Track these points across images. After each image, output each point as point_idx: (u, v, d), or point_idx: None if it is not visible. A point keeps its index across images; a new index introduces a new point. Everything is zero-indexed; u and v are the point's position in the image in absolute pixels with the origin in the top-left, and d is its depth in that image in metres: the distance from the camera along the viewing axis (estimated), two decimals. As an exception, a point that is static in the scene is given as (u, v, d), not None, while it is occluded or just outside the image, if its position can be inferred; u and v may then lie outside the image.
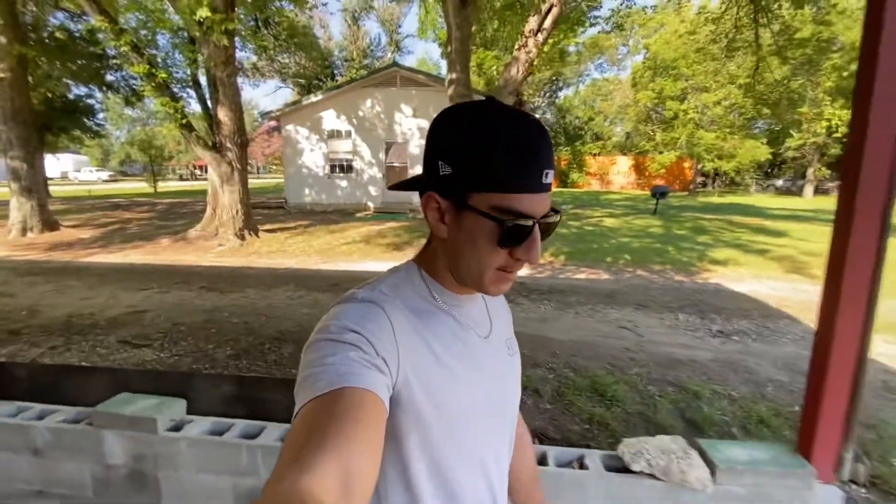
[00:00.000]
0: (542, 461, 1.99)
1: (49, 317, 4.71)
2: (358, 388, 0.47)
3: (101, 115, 21.24)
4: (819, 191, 26.05)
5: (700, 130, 24.69)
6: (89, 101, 18.08)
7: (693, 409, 2.89)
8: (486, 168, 0.53)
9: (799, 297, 5.80)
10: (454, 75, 8.20)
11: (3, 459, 2.15)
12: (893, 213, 2.06)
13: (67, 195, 21.94)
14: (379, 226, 11.47)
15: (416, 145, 15.10)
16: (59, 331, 4.27)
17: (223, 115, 9.24)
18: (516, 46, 7.98)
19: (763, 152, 24.95)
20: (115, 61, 13.11)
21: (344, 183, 15.52)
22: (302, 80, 27.54)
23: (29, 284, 6.17)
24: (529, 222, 0.55)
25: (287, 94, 36.06)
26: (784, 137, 25.60)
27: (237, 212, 9.72)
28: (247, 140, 9.99)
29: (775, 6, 10.93)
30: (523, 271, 0.59)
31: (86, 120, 18.46)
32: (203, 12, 7.28)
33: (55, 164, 37.55)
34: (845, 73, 18.10)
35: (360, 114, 15.17)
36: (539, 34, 7.52)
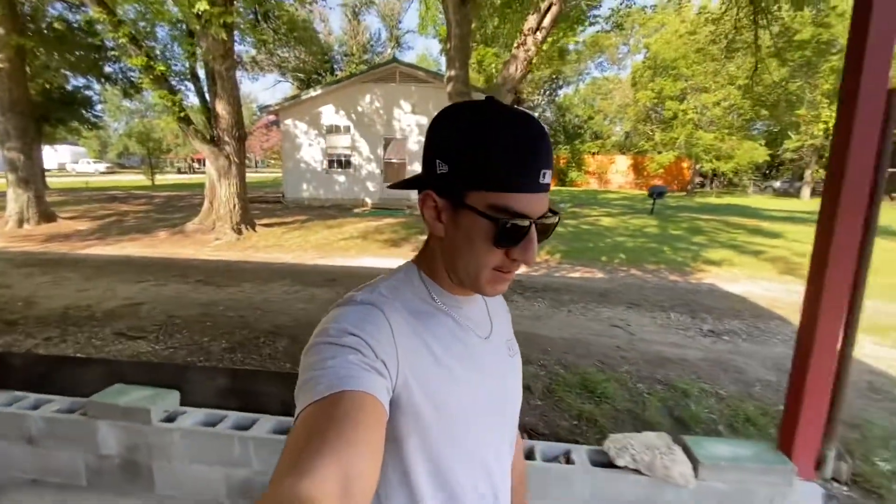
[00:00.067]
0: (529, 456, 2.03)
1: (45, 308, 4.73)
2: (357, 392, 0.47)
3: (98, 107, 21.13)
4: (816, 192, 26.09)
5: (699, 131, 24.72)
6: (87, 92, 18.00)
7: (681, 406, 2.93)
8: (482, 166, 0.53)
9: (791, 298, 5.85)
10: (453, 72, 8.19)
11: (-2, 448, 2.18)
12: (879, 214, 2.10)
13: (65, 187, 21.86)
14: (376, 222, 11.49)
15: (415, 142, 15.09)
16: (55, 322, 4.29)
17: (221, 108, 9.23)
18: (515, 45, 7.98)
19: (761, 154, 25.00)
20: (113, 53, 13.06)
21: (342, 178, 15.52)
22: (301, 75, 27.45)
23: (25, 276, 6.18)
24: (526, 222, 0.54)
25: (286, 88, 35.95)
26: (782, 139, 25.66)
27: (234, 206, 9.72)
28: (245, 134, 9.98)
29: (775, 8, 10.94)
30: (519, 269, 0.60)
31: (83, 111, 18.36)
32: (202, 5, 7.26)
33: (52, 156, 37.38)
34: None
35: (359, 109, 15.15)
36: (538, 32, 7.52)
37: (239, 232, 9.72)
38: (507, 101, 7.75)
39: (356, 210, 14.27)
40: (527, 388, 3.08)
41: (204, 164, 10.25)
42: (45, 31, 11.88)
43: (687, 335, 4.32)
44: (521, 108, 0.57)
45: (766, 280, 6.87)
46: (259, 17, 14.86)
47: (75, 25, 12.42)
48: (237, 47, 12.94)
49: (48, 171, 25.12)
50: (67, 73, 15.17)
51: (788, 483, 1.89)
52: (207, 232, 9.78)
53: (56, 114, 16.78)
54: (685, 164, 28.13)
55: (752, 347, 4.09)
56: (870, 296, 5.82)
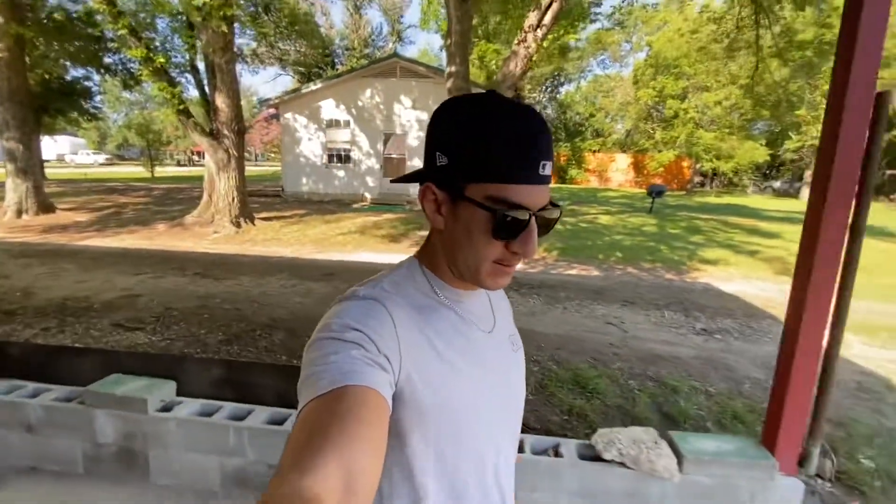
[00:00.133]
0: (519, 448, 2.07)
1: (44, 298, 4.75)
2: (360, 387, 0.47)
3: (98, 98, 21.05)
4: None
5: (699, 130, 24.70)
6: (87, 83, 17.93)
7: (670, 403, 2.98)
8: (482, 158, 0.53)
9: (785, 297, 5.88)
10: (453, 68, 8.20)
11: (-3, 435, 2.21)
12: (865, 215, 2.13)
13: (64, 178, 21.82)
14: (375, 217, 11.51)
15: (415, 137, 15.08)
16: (53, 312, 4.32)
17: (221, 101, 9.23)
18: (515, 41, 7.98)
19: (761, 154, 25.00)
20: (112, 44, 13.00)
21: (341, 173, 15.51)
22: (302, 69, 27.35)
23: (24, 266, 6.20)
24: (525, 214, 0.54)
25: (287, 81, 35.82)
26: (783, 139, 25.66)
27: (233, 199, 9.73)
28: (244, 127, 9.98)
29: (777, 7, 10.93)
30: (520, 264, 0.60)
31: (83, 102, 18.30)
32: (202, -3, 7.25)
33: (52, 147, 37.26)
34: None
35: (360, 104, 15.13)
36: (539, 29, 7.52)
37: (237, 225, 9.74)
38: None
39: (355, 205, 14.28)
40: (519, 384, 3.12)
41: (203, 157, 10.24)
42: (45, 21, 11.83)
43: (679, 333, 4.36)
44: (521, 101, 0.57)
45: (761, 280, 6.91)
46: (260, 10, 14.81)
47: (75, 15, 12.36)
48: (238, 40, 12.89)
49: (47, 161, 25.08)
50: (67, 63, 15.11)
51: (770, 478, 1.93)
52: (206, 225, 9.79)
53: (55, 104, 16.73)
54: (685, 164, 28.12)
55: (743, 346, 4.13)
56: (864, 296, 5.88)
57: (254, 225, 10.09)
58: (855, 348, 4.29)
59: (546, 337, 4.02)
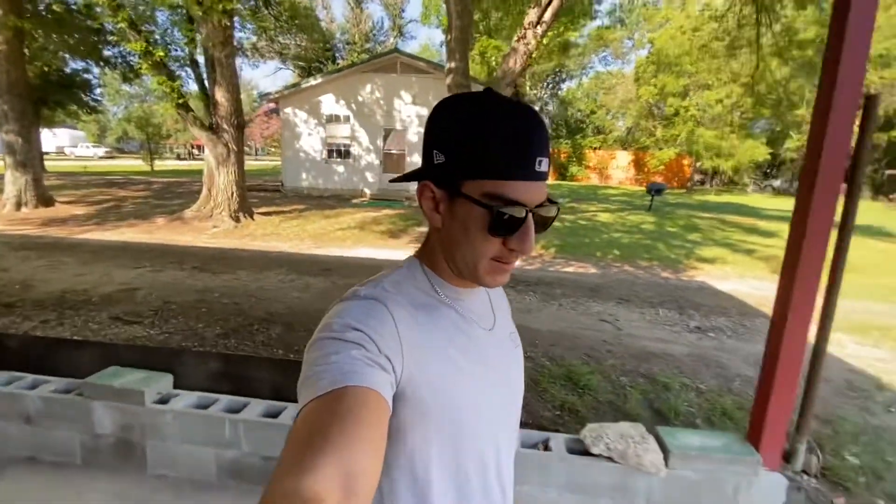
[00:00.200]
0: (512, 443, 2.11)
1: (43, 291, 4.79)
2: (360, 387, 0.47)
3: (97, 91, 21.03)
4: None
5: (700, 128, 24.68)
6: (86, 75, 17.91)
7: (661, 399, 3.02)
8: (477, 154, 0.53)
9: (780, 297, 5.93)
10: (453, 64, 8.19)
11: (-4, 426, 2.25)
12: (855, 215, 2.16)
13: (63, 170, 21.80)
14: (374, 212, 11.53)
15: (415, 133, 15.07)
16: (52, 305, 4.35)
17: (220, 96, 9.22)
18: (515, 38, 7.98)
19: (762, 152, 24.99)
20: (112, 37, 12.97)
21: (341, 168, 15.52)
22: (302, 63, 27.27)
23: (23, 259, 6.23)
24: (522, 210, 0.54)
25: (287, 75, 35.68)
26: (784, 138, 25.66)
27: (232, 194, 9.75)
28: (244, 122, 9.98)
29: (778, 6, 10.90)
30: (518, 261, 0.60)
31: (82, 95, 18.28)
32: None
33: (51, 139, 37.16)
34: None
35: (360, 99, 15.11)
36: (539, 26, 7.52)
37: (237, 220, 9.76)
38: (507, 95, 7.75)
39: (355, 200, 14.30)
40: (513, 379, 3.16)
41: (203, 151, 10.25)
42: (44, 13, 11.79)
43: (673, 331, 4.40)
44: (517, 99, 0.58)
45: (757, 278, 6.95)
46: (260, 4, 14.76)
47: (74, 8, 12.32)
48: (238, 34, 12.86)
49: (47, 154, 25.04)
50: (66, 55, 15.07)
51: (754, 473, 1.97)
52: (205, 219, 9.81)
53: (54, 96, 16.71)
54: (686, 162, 28.11)
55: (736, 344, 4.17)
56: (860, 296, 5.92)
57: (253, 220, 10.11)
58: (848, 348, 4.33)
59: (540, 333, 4.06)
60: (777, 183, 30.91)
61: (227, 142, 9.46)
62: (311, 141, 15.36)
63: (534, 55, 8.31)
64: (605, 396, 3.01)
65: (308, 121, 15.25)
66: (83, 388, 2.19)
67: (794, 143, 24.48)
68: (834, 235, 2.47)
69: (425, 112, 14.78)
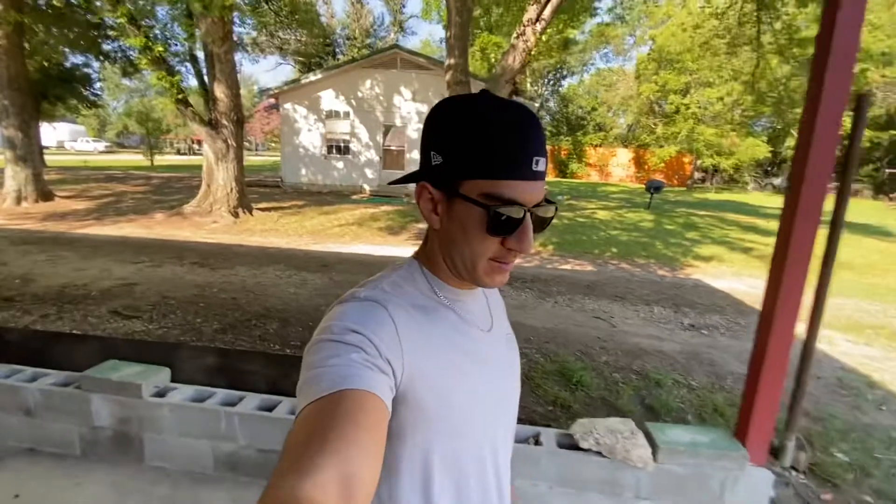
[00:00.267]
0: (501, 437, 2.14)
1: (42, 286, 4.82)
2: (359, 391, 0.47)
3: (97, 85, 21.00)
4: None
5: (701, 126, 24.65)
6: (86, 70, 17.88)
7: (653, 396, 3.05)
8: (475, 155, 0.53)
9: (775, 295, 5.95)
10: (453, 61, 8.19)
11: (-4, 417, 2.28)
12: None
13: (63, 165, 21.80)
14: (373, 209, 11.55)
15: (414, 129, 15.06)
16: (51, 300, 4.38)
17: (220, 91, 9.22)
18: (514, 35, 7.97)
19: (762, 150, 24.98)
20: (112, 31, 12.94)
21: (340, 164, 15.52)
22: (302, 58, 27.21)
23: (23, 253, 6.26)
24: (520, 210, 0.54)
25: (288, 70, 35.59)
26: (784, 136, 25.64)
27: (231, 189, 9.77)
28: (243, 117, 9.97)
29: (779, 3, 10.89)
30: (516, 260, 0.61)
31: (82, 89, 18.25)
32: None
33: (51, 134, 37.12)
34: (845, 75, 18.03)
35: (360, 95, 15.09)
36: (538, 23, 7.51)
37: (235, 215, 9.78)
38: (505, 92, 7.76)
39: (354, 196, 14.31)
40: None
41: (203, 146, 10.26)
42: (44, 7, 11.76)
43: (667, 329, 4.43)
44: (516, 99, 0.60)
45: (754, 276, 6.98)
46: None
47: (73, 2, 12.29)
48: (238, 29, 12.82)
49: (47, 148, 25.02)
50: (66, 50, 15.04)
51: (741, 468, 2.00)
52: (204, 215, 9.84)
53: (54, 91, 16.69)
54: (686, 160, 28.10)
55: (729, 342, 4.21)
56: (853, 295, 5.95)
57: (252, 215, 10.13)
58: (841, 346, 4.37)
59: (535, 330, 4.09)
60: (778, 181, 30.88)
61: (226, 137, 9.47)
62: (310, 137, 15.36)
63: (533, 52, 8.30)
64: (597, 392, 3.05)
65: (308, 116, 15.24)
66: (82, 381, 2.22)
67: (795, 142, 24.43)
68: (825, 234, 2.51)
69: (425, 109, 14.77)
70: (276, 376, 2.50)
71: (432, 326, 0.59)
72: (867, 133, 22.20)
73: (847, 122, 2.37)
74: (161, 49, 8.83)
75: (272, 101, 18.28)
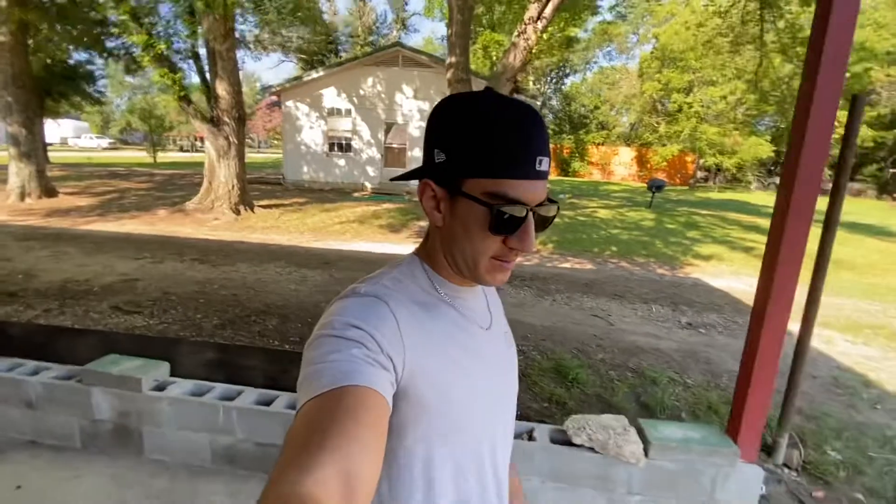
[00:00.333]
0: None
1: (45, 281, 4.86)
2: (360, 387, 0.47)
3: (101, 82, 21.08)
4: (820, 191, 25.96)
5: (703, 124, 24.57)
6: (89, 67, 17.95)
7: (648, 393, 3.07)
8: (478, 153, 0.53)
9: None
10: (454, 59, 8.20)
11: (-1, 410, 2.32)
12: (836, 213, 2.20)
13: (67, 161, 21.89)
14: (374, 206, 11.57)
15: (416, 127, 15.07)
16: (54, 295, 4.43)
17: (221, 89, 9.26)
18: (515, 33, 7.97)
19: (766, 149, 24.87)
20: (115, 28, 12.98)
21: (342, 162, 15.54)
22: (305, 55, 27.22)
23: (26, 249, 6.31)
24: (522, 209, 0.54)
25: (290, 68, 35.61)
26: (788, 135, 25.52)
27: (233, 186, 9.81)
28: (245, 115, 10.00)
29: (782, 2, 10.84)
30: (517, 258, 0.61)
31: (86, 86, 18.33)
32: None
33: (55, 130, 37.24)
34: (847, 74, 17.98)
35: (361, 92, 15.10)
36: (539, 21, 7.51)
37: (237, 212, 9.82)
38: (506, 90, 7.77)
39: (355, 194, 14.34)
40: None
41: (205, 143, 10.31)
42: (47, 4, 11.81)
43: (665, 327, 4.45)
44: (518, 98, 0.59)
45: (753, 276, 6.98)
46: (263, -4, 14.72)
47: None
48: (240, 26, 12.84)
49: (51, 145, 25.13)
50: (69, 46, 15.09)
51: (732, 464, 2.02)
52: (206, 211, 9.88)
53: (58, 87, 16.77)
54: (689, 159, 28.02)
55: (726, 340, 4.22)
56: (853, 294, 5.94)
57: (253, 212, 10.17)
58: (839, 345, 4.37)
59: (533, 328, 4.11)
60: (780, 180, 30.72)
61: (227, 135, 9.50)
62: (312, 134, 15.38)
63: (534, 50, 8.30)
64: (592, 390, 3.07)
65: (309, 114, 15.27)
66: (83, 374, 2.26)
67: (787, 141, 24.31)
68: (819, 233, 2.52)
69: (427, 106, 14.77)
70: (275, 372, 2.53)
71: (433, 322, 0.59)
72: (871, 133, 22.09)
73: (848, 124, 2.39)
74: (163, 46, 8.86)
75: (274, 98, 18.30)
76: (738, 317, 4.90)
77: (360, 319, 0.53)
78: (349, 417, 0.43)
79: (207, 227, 8.95)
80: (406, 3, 34.66)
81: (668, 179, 25.01)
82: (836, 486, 2.47)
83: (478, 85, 9.90)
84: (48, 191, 10.90)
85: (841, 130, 2.40)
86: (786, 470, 2.58)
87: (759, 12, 10.68)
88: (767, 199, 21.77)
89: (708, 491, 2.03)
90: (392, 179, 0.68)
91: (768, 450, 2.65)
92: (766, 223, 12.12)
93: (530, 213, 0.55)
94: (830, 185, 2.52)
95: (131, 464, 2.20)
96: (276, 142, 46.18)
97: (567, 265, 7.11)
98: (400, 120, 15.27)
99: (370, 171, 15.43)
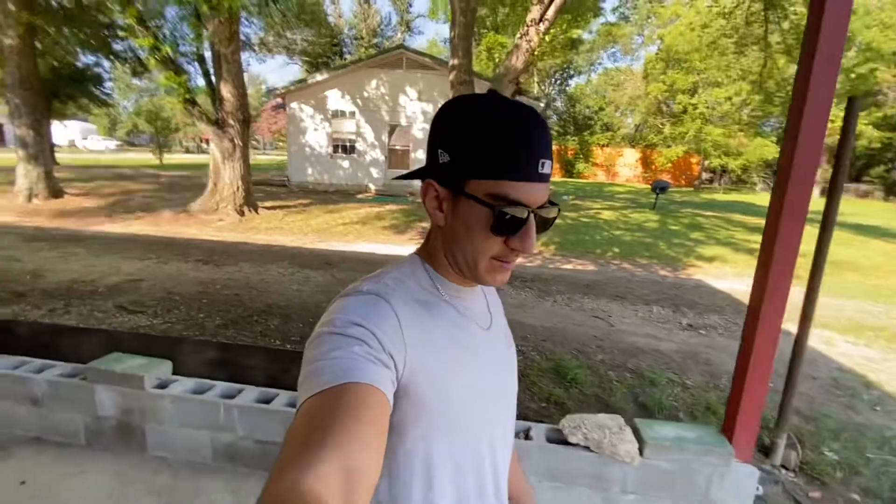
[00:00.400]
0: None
1: (52, 281, 4.93)
2: (361, 384, 0.47)
3: (108, 84, 21.29)
4: (825, 191, 25.79)
5: (708, 126, 24.48)
6: (97, 69, 18.13)
7: (647, 394, 3.08)
8: (482, 155, 0.54)
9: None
10: (456, 61, 8.25)
11: (4, 408, 2.36)
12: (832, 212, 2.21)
13: (74, 163, 22.11)
14: (378, 208, 11.62)
15: (420, 129, 15.13)
16: (60, 295, 4.49)
17: (226, 91, 9.34)
18: (518, 35, 8.00)
19: (771, 151, 24.73)
20: (122, 32, 13.12)
21: (346, 163, 15.62)
22: (309, 58, 27.37)
23: (34, 250, 6.39)
24: (524, 210, 0.55)
25: (296, 70, 35.80)
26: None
27: (238, 188, 9.89)
28: (249, 117, 10.09)
29: (786, 3, 10.81)
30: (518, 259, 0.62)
31: (93, 88, 18.51)
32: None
33: (62, 132, 37.59)
34: (853, 75, 17.88)
35: (365, 95, 15.18)
36: (541, 23, 7.53)
37: (241, 214, 9.90)
38: (508, 92, 7.79)
39: (359, 196, 14.40)
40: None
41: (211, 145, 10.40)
42: (55, 8, 11.96)
43: (665, 328, 4.45)
44: (521, 101, 0.60)
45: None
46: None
47: (84, 2, 12.47)
48: (245, 29, 12.94)
49: (58, 147, 25.39)
50: (77, 49, 15.26)
51: (726, 464, 2.03)
52: (211, 213, 9.96)
53: (66, 90, 16.93)
54: (694, 160, 27.91)
55: (727, 342, 4.22)
56: (856, 296, 5.91)
57: (257, 214, 10.25)
58: (839, 347, 4.36)
59: (533, 328, 4.13)
60: (786, 182, 30.49)
61: (232, 137, 9.58)
62: (316, 136, 15.47)
63: (538, 52, 8.33)
64: (591, 390, 3.08)
65: (314, 116, 15.36)
66: (87, 372, 2.30)
67: (781, 141, 24.15)
68: (815, 233, 2.52)
69: (430, 108, 14.83)
70: (276, 371, 2.56)
71: (433, 321, 0.60)
72: (878, 133, 21.89)
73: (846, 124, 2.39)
74: (169, 49, 8.95)
75: (279, 100, 18.42)
76: (740, 318, 4.88)
77: (361, 317, 0.53)
78: (350, 415, 0.44)
79: (212, 228, 9.03)
80: (410, 6, 34.79)
81: (673, 181, 24.93)
82: (832, 486, 2.47)
83: (481, 87, 9.93)
84: (55, 192, 11.03)
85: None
86: (783, 471, 2.59)
87: (763, 13, 10.65)
88: (773, 200, 21.60)
89: (702, 490, 2.04)
90: (395, 178, 0.70)
91: (766, 451, 2.65)
92: (770, 225, 12.05)
93: (531, 215, 0.56)
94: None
95: (134, 460, 2.24)
96: (280, 144, 46.40)
97: (569, 266, 7.11)
98: (403, 122, 15.33)
99: (374, 172, 15.49)
